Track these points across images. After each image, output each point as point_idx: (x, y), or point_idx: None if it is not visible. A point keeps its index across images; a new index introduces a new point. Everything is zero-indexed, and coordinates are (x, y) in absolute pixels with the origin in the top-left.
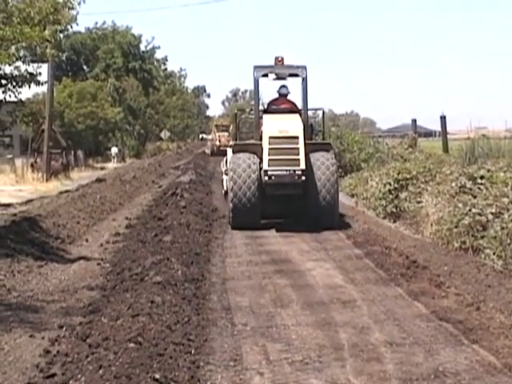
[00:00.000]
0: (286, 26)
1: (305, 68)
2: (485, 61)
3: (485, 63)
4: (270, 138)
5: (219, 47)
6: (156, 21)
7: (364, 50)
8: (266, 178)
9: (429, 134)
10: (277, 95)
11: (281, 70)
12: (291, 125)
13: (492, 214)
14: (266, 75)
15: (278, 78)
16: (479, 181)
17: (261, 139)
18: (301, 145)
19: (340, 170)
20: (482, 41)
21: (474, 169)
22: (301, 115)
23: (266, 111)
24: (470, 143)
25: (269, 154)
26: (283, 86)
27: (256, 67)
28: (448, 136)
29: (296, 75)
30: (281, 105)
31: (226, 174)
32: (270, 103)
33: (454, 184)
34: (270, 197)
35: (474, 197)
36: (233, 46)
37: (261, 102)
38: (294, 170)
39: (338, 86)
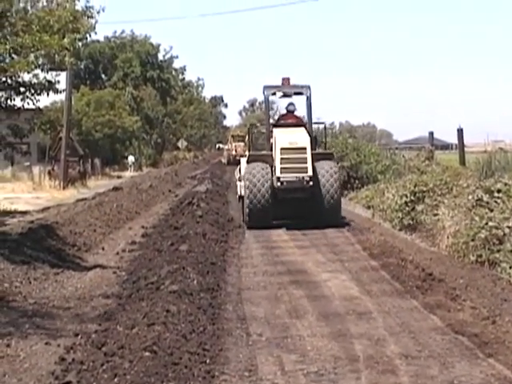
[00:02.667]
0: (305, 37)
1: (308, 87)
2: (503, 74)
3: (503, 76)
4: (282, 149)
5: (237, 57)
6: (174, 30)
7: (382, 61)
8: (279, 183)
9: (445, 146)
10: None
11: (287, 89)
12: (299, 137)
13: (509, 227)
14: (274, 94)
15: (285, 95)
16: (496, 194)
17: (271, 150)
18: (308, 154)
19: (357, 182)
20: (501, 54)
21: (490, 182)
22: (306, 128)
23: (275, 125)
24: (487, 156)
25: (280, 163)
26: (291, 104)
27: (266, 87)
28: (465, 149)
29: (301, 93)
30: (288, 120)
31: (240, 181)
32: (279, 118)
33: (470, 197)
34: (281, 200)
35: (491, 210)
36: (251, 57)
37: (276, 112)
38: (303, 177)
39: (355, 97)
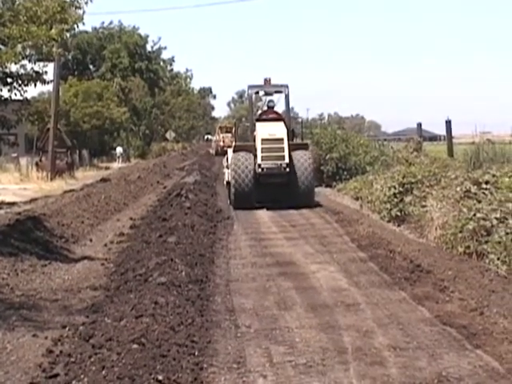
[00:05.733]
0: (294, 28)
1: (287, 86)
2: (491, 66)
3: (490, 68)
4: (262, 139)
5: (225, 49)
6: (163, 21)
7: (370, 53)
8: (260, 170)
9: (434, 138)
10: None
11: (268, 88)
12: (278, 129)
13: (496, 219)
14: (257, 92)
15: (267, 94)
16: (484, 186)
17: (254, 141)
18: (285, 145)
19: (345, 173)
20: (488, 45)
21: (478, 174)
22: (285, 122)
23: (258, 120)
24: (475, 148)
25: (261, 152)
26: (271, 101)
27: (249, 86)
28: (453, 140)
29: (280, 92)
30: (269, 115)
31: (228, 168)
32: (262, 114)
33: (458, 189)
34: (262, 184)
35: (479, 202)
36: (239, 48)
37: (264, 104)
38: (281, 164)
39: (343, 88)
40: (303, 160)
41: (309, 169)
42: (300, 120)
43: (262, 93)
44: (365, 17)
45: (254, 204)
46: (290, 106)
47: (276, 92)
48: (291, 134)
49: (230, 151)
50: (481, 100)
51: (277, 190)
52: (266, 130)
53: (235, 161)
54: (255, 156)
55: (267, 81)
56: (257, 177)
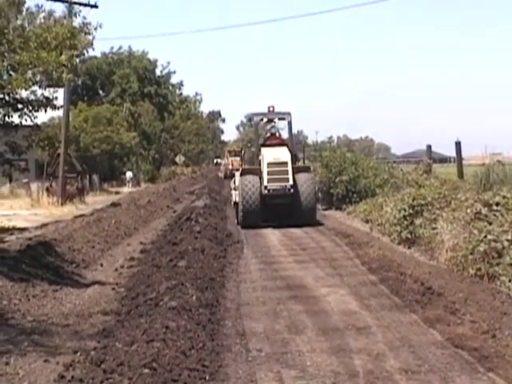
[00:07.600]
0: (302, 51)
1: (289, 114)
2: (500, 87)
3: (500, 89)
4: (268, 163)
5: (234, 72)
6: (172, 46)
7: (378, 75)
8: (266, 191)
9: (444, 159)
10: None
11: (272, 115)
12: (282, 154)
13: (508, 240)
14: (261, 119)
15: (270, 121)
16: (495, 207)
17: (260, 165)
18: (289, 168)
19: (355, 196)
20: (497, 68)
21: (489, 195)
22: (288, 147)
23: (263, 145)
24: (485, 169)
25: (267, 175)
26: (273, 127)
27: (254, 114)
28: (463, 162)
29: (283, 119)
30: (273, 140)
31: (235, 190)
32: (266, 139)
33: (469, 210)
34: (267, 205)
35: (490, 223)
36: (248, 71)
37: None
38: (285, 185)
39: (352, 111)
40: (306, 182)
41: (312, 191)
42: (302, 144)
43: (265, 120)
44: (369, 39)
45: (260, 223)
46: (300, 129)
47: (279, 119)
48: (294, 158)
49: (237, 174)
50: (491, 120)
51: (281, 210)
52: (271, 155)
53: (243, 184)
54: (261, 178)
55: (271, 108)
56: (263, 198)
